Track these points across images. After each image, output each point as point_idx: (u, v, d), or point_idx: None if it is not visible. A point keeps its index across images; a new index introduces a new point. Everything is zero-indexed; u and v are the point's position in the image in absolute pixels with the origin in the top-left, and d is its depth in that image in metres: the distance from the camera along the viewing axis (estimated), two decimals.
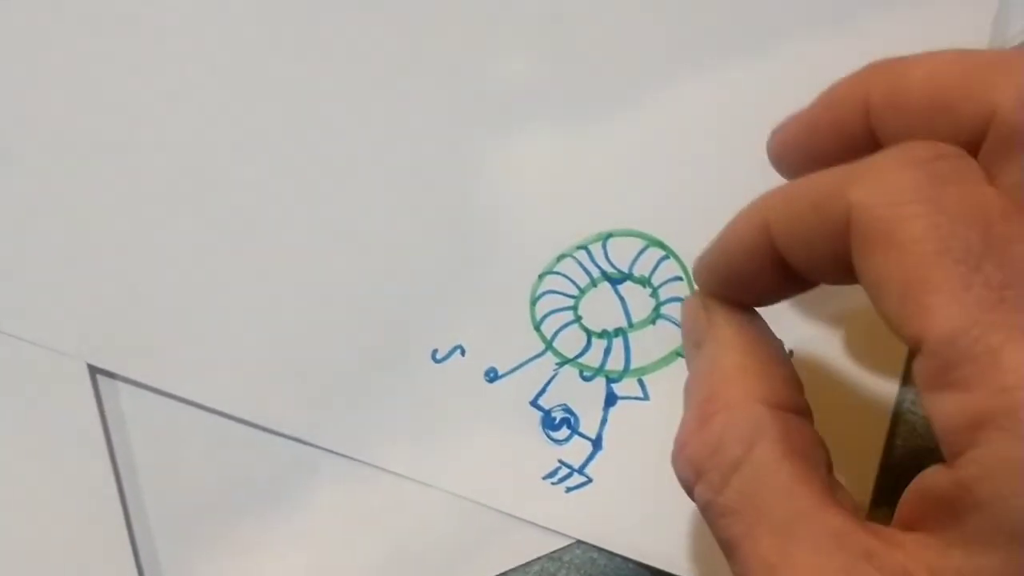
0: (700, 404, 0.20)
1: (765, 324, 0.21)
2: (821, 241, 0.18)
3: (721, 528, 0.19)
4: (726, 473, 0.19)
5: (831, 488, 0.18)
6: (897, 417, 0.26)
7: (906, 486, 0.18)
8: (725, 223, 0.27)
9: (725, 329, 0.21)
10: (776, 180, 0.27)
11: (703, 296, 0.22)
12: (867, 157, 0.18)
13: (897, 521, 0.18)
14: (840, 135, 0.21)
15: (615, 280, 0.27)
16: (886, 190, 0.17)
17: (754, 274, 0.20)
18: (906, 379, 0.26)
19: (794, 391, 0.20)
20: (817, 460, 0.19)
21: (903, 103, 0.20)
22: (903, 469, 0.25)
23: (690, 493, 0.19)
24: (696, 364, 0.21)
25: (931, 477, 0.17)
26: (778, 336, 0.25)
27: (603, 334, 0.27)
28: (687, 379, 0.21)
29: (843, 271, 0.18)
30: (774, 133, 0.23)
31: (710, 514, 0.19)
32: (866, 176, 0.18)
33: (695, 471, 0.19)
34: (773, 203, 0.20)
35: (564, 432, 0.26)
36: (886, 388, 0.26)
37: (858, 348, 0.26)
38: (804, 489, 0.18)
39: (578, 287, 0.27)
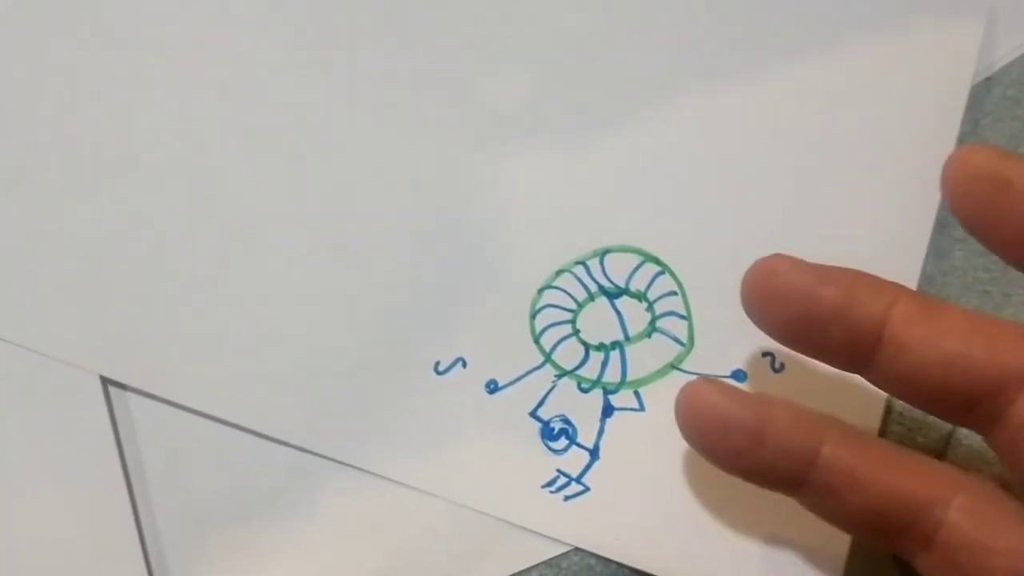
0: None
1: None
2: None
3: None
4: None
5: None
6: (886, 428, 0.27)
7: None
8: (720, 238, 0.28)
9: None
10: (764, 212, 0.28)
11: None
12: None
13: None
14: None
15: (612, 295, 0.28)
16: None
17: None
18: None
19: None
20: None
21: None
22: None
23: None
24: None
25: None
26: (767, 347, 0.26)
27: (600, 347, 0.27)
28: None
29: None
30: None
31: None
32: None
33: None
34: None
35: (562, 442, 0.27)
36: (876, 395, 0.26)
37: None
38: None
39: (576, 301, 0.28)
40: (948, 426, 0.26)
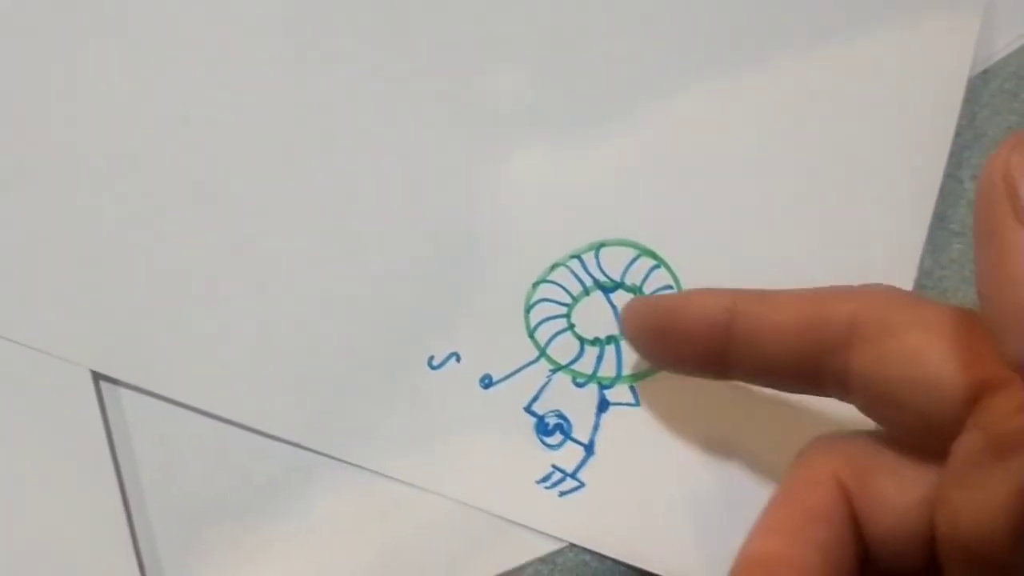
0: None
1: None
2: None
3: None
4: None
5: None
6: None
7: None
8: (715, 232, 0.27)
9: None
10: (760, 205, 0.28)
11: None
12: None
13: None
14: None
15: (607, 289, 0.28)
16: None
17: None
18: None
19: None
20: None
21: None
22: None
23: None
24: None
25: None
26: None
27: (596, 341, 0.27)
28: None
29: None
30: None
31: None
32: None
33: None
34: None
35: (557, 437, 0.27)
36: None
37: None
38: None
39: (571, 295, 0.28)
40: None
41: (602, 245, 0.28)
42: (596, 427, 0.27)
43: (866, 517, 0.21)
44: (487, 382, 0.27)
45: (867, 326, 0.21)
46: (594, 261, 0.28)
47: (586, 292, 0.28)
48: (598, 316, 0.27)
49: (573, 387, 0.27)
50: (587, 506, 0.26)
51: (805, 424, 0.26)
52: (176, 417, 0.27)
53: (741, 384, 0.26)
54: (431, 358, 0.27)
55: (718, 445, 0.26)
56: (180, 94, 0.29)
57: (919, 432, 0.21)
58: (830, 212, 0.28)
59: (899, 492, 0.21)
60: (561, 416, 0.27)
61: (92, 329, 0.27)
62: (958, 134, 0.28)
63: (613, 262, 0.28)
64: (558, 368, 0.27)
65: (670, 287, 0.27)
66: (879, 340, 0.21)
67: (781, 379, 0.23)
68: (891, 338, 0.21)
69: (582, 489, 0.26)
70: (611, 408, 0.27)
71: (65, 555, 0.26)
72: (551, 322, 0.27)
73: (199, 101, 0.29)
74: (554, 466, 0.26)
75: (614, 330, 0.27)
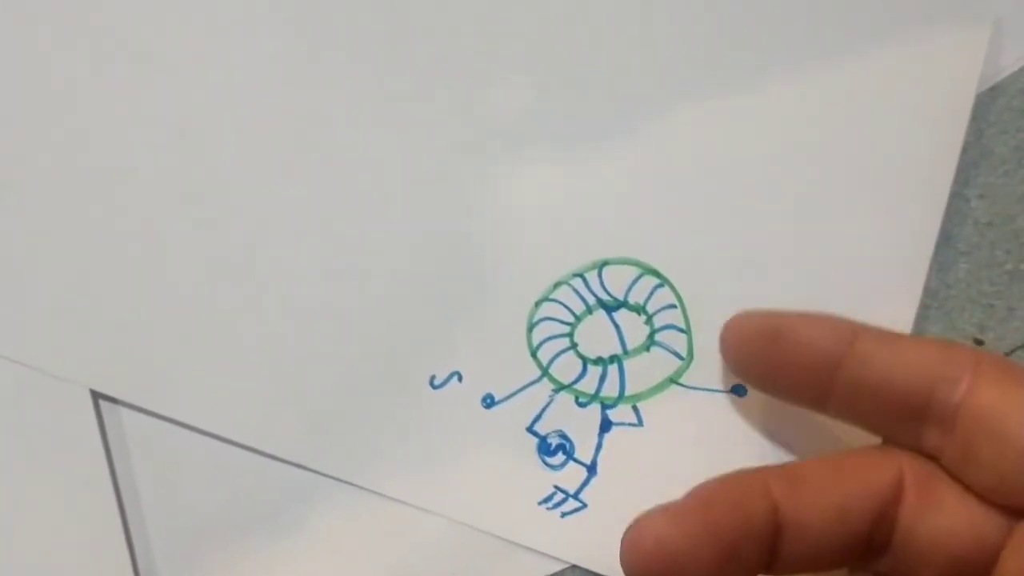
0: None
1: None
2: None
3: None
4: None
5: None
6: None
7: None
8: (719, 250, 0.27)
9: None
10: (766, 225, 0.28)
11: None
12: None
13: None
14: None
15: (610, 307, 0.27)
16: None
17: None
18: None
19: None
20: None
21: None
22: None
23: None
24: None
25: None
26: None
27: (598, 361, 0.27)
28: None
29: None
30: None
31: None
32: None
33: None
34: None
35: (560, 458, 0.26)
36: None
37: None
38: None
39: (574, 314, 0.27)
40: None
41: (605, 263, 0.28)
42: (599, 447, 0.26)
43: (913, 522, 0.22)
44: (489, 402, 0.27)
45: (991, 371, 0.21)
46: (597, 280, 0.27)
47: (589, 311, 0.27)
48: (601, 335, 0.27)
49: (576, 407, 0.27)
50: (589, 527, 0.26)
51: (810, 443, 0.26)
52: (176, 436, 0.27)
53: (745, 404, 0.26)
54: (433, 378, 0.27)
55: (721, 465, 0.26)
56: (179, 108, 0.29)
57: (991, 490, 0.21)
58: (835, 230, 0.28)
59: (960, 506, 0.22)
60: (563, 436, 0.27)
61: (92, 348, 0.27)
62: (965, 151, 0.28)
63: (616, 281, 0.27)
64: (560, 388, 0.27)
65: (673, 306, 0.27)
66: (1000, 383, 0.21)
67: (882, 422, 0.23)
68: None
69: (584, 510, 0.26)
70: (614, 428, 0.27)
71: (64, 574, 0.25)
72: (554, 341, 0.27)
73: (198, 116, 0.29)
74: (556, 487, 0.26)
75: (617, 349, 0.27)
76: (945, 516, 0.21)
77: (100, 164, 0.28)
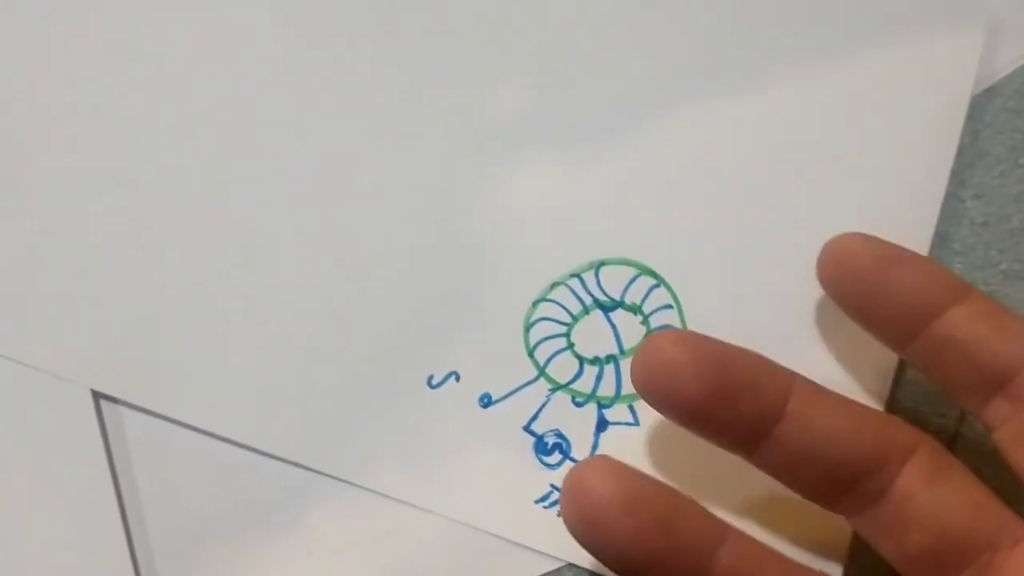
0: None
1: None
2: None
3: None
4: None
5: None
6: None
7: None
8: (716, 251, 0.27)
9: None
10: (763, 226, 0.28)
11: None
12: None
13: None
14: None
15: (607, 308, 0.27)
16: None
17: None
18: (893, 392, 0.26)
19: None
20: None
21: None
22: None
23: None
24: None
25: None
26: (763, 352, 0.26)
27: (595, 361, 0.27)
28: None
29: None
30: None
31: None
32: None
33: None
34: None
35: (556, 457, 0.27)
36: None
37: (847, 362, 0.26)
38: None
39: (571, 314, 0.27)
40: (950, 431, 0.26)
41: (602, 264, 0.28)
42: (595, 446, 0.27)
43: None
44: (486, 401, 0.27)
45: None
46: (594, 280, 0.28)
47: (586, 311, 0.27)
48: (598, 335, 0.27)
49: (572, 406, 0.27)
50: None
51: None
52: (176, 436, 0.27)
53: None
54: (430, 377, 0.27)
55: (717, 464, 0.26)
56: (180, 108, 0.29)
57: None
58: (831, 231, 0.27)
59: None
60: (560, 435, 0.27)
61: (92, 348, 0.27)
62: (960, 152, 0.28)
63: (613, 281, 0.28)
64: (557, 387, 0.27)
65: (669, 306, 0.27)
66: None
67: (959, 380, 0.23)
68: None
69: None
70: (610, 427, 0.27)
71: (64, 574, 0.26)
72: (551, 341, 0.27)
73: (198, 116, 0.29)
74: (553, 485, 0.26)
75: (614, 349, 0.27)
76: (948, 491, 0.22)
77: (100, 164, 0.28)
